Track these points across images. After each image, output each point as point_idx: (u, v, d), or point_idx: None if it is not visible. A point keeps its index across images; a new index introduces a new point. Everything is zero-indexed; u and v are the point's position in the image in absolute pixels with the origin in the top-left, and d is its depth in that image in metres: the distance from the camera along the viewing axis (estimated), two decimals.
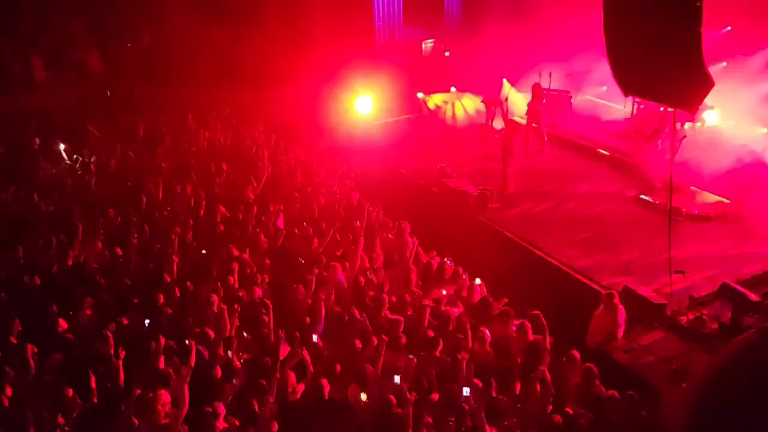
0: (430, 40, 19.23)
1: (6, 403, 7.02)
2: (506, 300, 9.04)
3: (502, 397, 7.16)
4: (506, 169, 13.44)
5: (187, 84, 18.67)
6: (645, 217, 12.19)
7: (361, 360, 7.67)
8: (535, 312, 8.48)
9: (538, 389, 7.21)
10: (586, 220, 12.30)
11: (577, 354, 7.79)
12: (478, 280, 9.37)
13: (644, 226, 11.70)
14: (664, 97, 9.86)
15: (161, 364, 7.49)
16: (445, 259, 9.91)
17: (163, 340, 7.64)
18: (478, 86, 17.16)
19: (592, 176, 14.10)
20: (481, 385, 7.15)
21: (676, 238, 10.02)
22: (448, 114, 16.89)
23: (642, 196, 12.73)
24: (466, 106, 16.83)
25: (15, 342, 7.94)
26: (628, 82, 9.69)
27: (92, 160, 13.51)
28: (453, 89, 17.21)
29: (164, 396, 6.88)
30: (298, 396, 7.26)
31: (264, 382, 7.10)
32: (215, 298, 8.65)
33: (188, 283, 9.04)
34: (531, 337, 8.23)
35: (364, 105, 17.53)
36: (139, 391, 6.93)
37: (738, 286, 9.47)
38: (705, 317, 9.29)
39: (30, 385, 7.27)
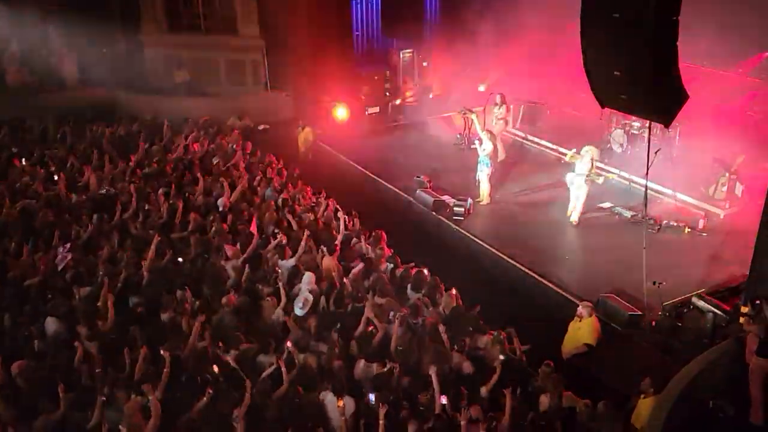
0: (408, 50, 19.34)
1: None
2: (479, 308, 9.01)
3: (475, 406, 7.12)
4: (484, 180, 13.46)
5: (164, 91, 18.60)
6: (620, 228, 12.29)
7: (337, 368, 7.61)
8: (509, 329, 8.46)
9: (511, 400, 7.20)
10: (564, 232, 12.35)
11: (551, 364, 7.78)
12: (453, 291, 9.34)
13: (619, 238, 11.79)
14: (639, 110, 9.94)
15: (135, 374, 7.38)
16: (422, 269, 9.86)
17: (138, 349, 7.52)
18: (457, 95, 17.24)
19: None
20: (455, 394, 7.12)
21: (652, 249, 10.09)
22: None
23: (615, 208, 12.85)
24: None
25: None
26: (604, 94, 9.74)
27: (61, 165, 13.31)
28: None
29: (137, 405, 6.78)
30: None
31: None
32: (188, 308, 8.57)
33: (162, 291, 8.91)
34: (506, 346, 8.21)
35: (341, 112, 17.56)
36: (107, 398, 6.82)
37: (712, 298, 9.56)
38: (679, 328, 9.35)
39: None
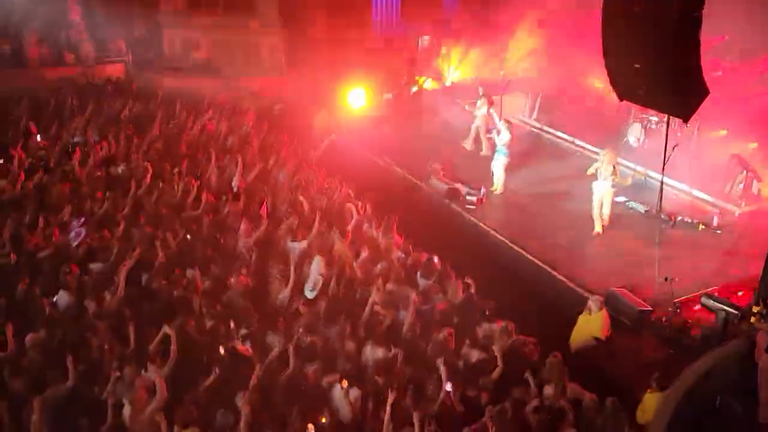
0: (426, 36, 19.25)
1: None
2: (491, 300, 8.99)
3: (482, 395, 7.14)
4: (499, 169, 13.41)
5: (181, 70, 18.65)
6: (634, 223, 12.21)
7: (344, 352, 7.64)
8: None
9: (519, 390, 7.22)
10: (576, 224, 12.27)
11: (558, 356, 7.77)
12: (469, 281, 9.30)
13: (632, 232, 11.72)
14: (658, 104, 9.86)
15: (144, 350, 7.44)
16: (433, 257, 9.84)
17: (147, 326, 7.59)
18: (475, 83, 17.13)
19: (586, 179, 14.09)
20: (461, 382, 7.14)
21: (665, 245, 10.03)
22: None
23: (629, 203, 12.76)
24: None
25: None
26: (623, 87, 9.67)
27: (76, 141, 13.37)
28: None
29: (146, 381, 6.84)
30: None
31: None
32: (199, 287, 8.63)
33: (176, 270, 8.97)
34: (514, 337, 8.20)
35: (357, 98, 17.51)
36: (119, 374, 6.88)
37: (722, 296, 9.51)
38: (690, 325, 9.31)
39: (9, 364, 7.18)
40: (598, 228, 11.84)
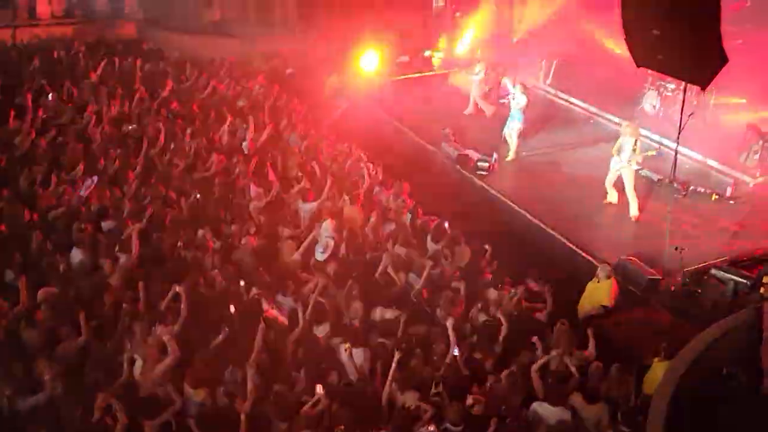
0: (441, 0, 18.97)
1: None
2: (501, 266, 9.01)
3: (488, 359, 7.21)
4: (513, 135, 13.33)
5: (192, 29, 18.48)
6: (646, 191, 12.12)
7: (350, 313, 7.71)
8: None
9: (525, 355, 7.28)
10: (588, 192, 12.18)
11: (566, 323, 7.80)
12: (487, 247, 9.27)
13: (644, 200, 11.64)
14: (676, 71, 9.72)
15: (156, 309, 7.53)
16: (443, 221, 9.85)
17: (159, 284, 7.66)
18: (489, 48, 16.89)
19: (600, 148, 13.99)
20: (468, 347, 7.20)
21: (677, 214, 9.97)
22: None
23: (642, 171, 12.64)
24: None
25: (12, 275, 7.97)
26: (641, 54, 9.52)
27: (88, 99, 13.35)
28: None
29: (157, 339, 6.93)
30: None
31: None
32: (210, 246, 8.69)
33: (190, 229, 9.03)
34: (523, 303, 8.24)
35: (370, 61, 17.33)
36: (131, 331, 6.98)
37: (733, 266, 9.48)
38: (699, 295, 9.30)
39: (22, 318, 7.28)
40: (611, 198, 11.70)
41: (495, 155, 13.08)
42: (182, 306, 7.34)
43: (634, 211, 11.25)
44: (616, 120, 15.00)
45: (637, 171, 12.42)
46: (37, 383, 6.54)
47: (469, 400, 6.48)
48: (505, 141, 13.42)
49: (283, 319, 7.61)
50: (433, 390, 6.63)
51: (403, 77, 17.69)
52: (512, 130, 13.25)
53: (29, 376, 6.59)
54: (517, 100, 13.05)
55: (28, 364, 6.66)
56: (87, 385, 6.48)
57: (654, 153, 12.11)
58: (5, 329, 7.13)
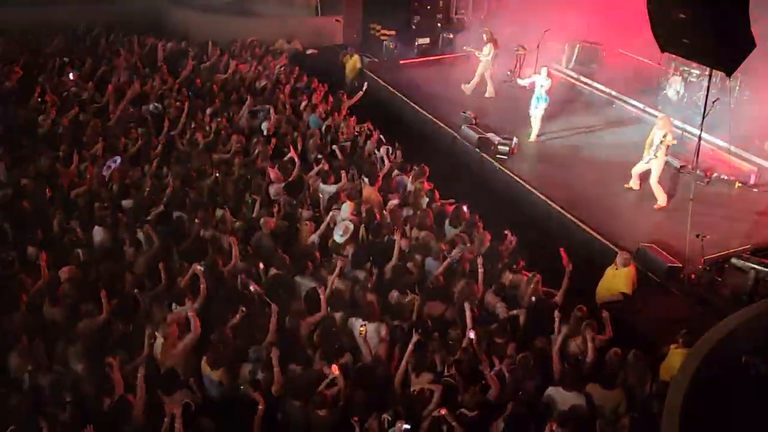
0: None
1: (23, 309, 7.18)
2: (519, 251, 8.97)
3: (505, 343, 7.20)
4: (537, 117, 13.28)
5: (213, 9, 18.48)
6: (668, 178, 11.97)
7: (367, 295, 7.74)
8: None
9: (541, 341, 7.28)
10: (608, 177, 12.08)
11: (584, 310, 7.77)
12: (507, 232, 9.23)
13: (666, 188, 11.51)
14: (701, 56, 9.55)
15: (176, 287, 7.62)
16: (462, 205, 9.82)
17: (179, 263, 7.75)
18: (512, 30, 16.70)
19: (621, 133, 13.86)
20: (484, 331, 7.21)
21: (699, 202, 9.86)
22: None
23: (668, 159, 12.48)
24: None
25: (33, 251, 8.07)
26: (666, 38, 9.36)
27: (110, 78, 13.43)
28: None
29: (178, 317, 7.01)
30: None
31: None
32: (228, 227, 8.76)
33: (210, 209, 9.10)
34: (540, 288, 8.21)
35: (390, 42, 17.27)
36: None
37: (754, 255, 9.37)
38: (719, 283, 9.22)
39: (43, 294, 7.38)
40: (633, 183, 11.59)
41: (515, 139, 12.99)
42: (201, 285, 7.40)
43: (660, 201, 11.16)
44: (639, 105, 14.89)
45: None
46: (58, 359, 6.65)
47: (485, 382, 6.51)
48: (529, 122, 13.33)
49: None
50: (446, 372, 6.66)
51: (423, 59, 17.62)
52: (539, 110, 13.22)
53: (51, 352, 6.70)
54: (543, 82, 12.95)
55: (49, 340, 6.76)
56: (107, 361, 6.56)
57: (675, 142, 11.86)
58: (27, 305, 7.24)
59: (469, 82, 15.54)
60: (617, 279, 8.91)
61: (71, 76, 13.24)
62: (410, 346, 6.78)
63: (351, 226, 8.85)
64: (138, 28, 16.52)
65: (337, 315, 7.47)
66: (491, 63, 15.27)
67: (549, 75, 13.04)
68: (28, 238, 8.31)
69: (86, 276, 7.77)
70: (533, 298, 8.01)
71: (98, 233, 8.61)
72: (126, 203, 9.31)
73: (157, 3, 18.60)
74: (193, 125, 11.56)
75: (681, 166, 12.16)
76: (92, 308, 7.12)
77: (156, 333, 6.82)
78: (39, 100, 12.07)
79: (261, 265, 8.11)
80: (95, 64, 13.94)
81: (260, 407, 6.17)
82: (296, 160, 10.55)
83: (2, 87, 12.67)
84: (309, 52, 17.51)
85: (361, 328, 7.19)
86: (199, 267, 7.57)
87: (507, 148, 12.73)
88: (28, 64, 13.80)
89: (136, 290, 7.51)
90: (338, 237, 8.84)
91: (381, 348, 7.18)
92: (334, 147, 11.29)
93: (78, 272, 7.73)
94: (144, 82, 13.19)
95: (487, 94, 15.42)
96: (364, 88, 13.77)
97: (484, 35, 15.32)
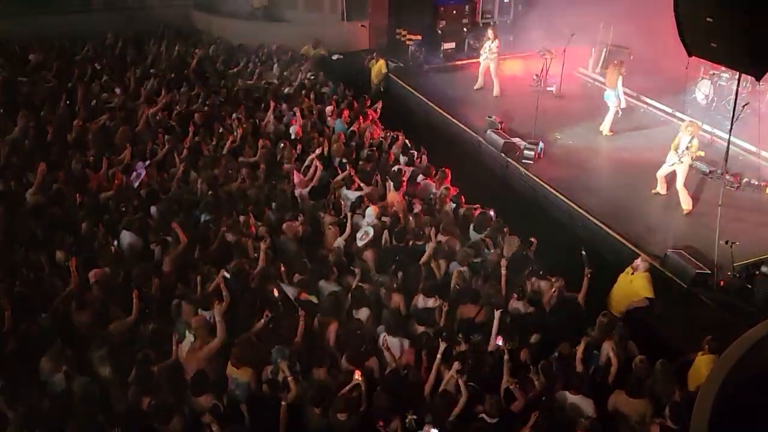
0: None
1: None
2: (544, 257, 8.92)
3: (524, 350, 7.18)
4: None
5: (240, 14, 18.66)
6: (696, 183, 11.82)
7: (391, 300, 7.74)
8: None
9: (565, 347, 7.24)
10: (635, 182, 11.94)
11: (609, 316, 7.70)
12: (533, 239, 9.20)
13: (695, 193, 11.36)
14: (730, 59, 9.41)
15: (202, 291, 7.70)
16: (487, 210, 9.80)
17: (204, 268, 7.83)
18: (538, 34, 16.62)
19: (648, 136, 13.70)
20: (510, 336, 7.18)
21: (728, 207, 9.72)
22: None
23: (693, 163, 12.32)
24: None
25: (63, 256, 8.19)
26: (693, 41, 9.25)
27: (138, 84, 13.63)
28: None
29: (203, 321, 7.09)
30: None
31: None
32: (252, 231, 8.82)
33: (234, 214, 9.16)
34: (565, 294, 8.16)
35: (416, 48, 17.28)
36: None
37: None
38: (749, 290, 9.07)
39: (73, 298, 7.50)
40: (660, 188, 11.45)
41: (541, 144, 12.92)
42: (224, 291, 7.43)
43: (685, 205, 10.98)
44: (667, 109, 14.72)
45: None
46: (88, 362, 6.75)
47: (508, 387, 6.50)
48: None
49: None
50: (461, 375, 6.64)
51: (449, 64, 17.61)
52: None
53: (80, 355, 6.80)
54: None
55: (78, 344, 6.87)
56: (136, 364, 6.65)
57: (702, 154, 11.68)
58: (57, 309, 7.36)
59: (493, 86, 15.58)
60: (636, 284, 8.78)
61: (102, 82, 13.50)
62: (439, 355, 6.77)
63: (371, 231, 8.89)
64: (167, 35, 16.78)
65: (363, 319, 7.50)
66: (497, 60, 15.58)
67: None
68: (58, 242, 8.44)
69: (114, 279, 7.88)
70: (557, 303, 7.97)
71: (126, 236, 8.73)
72: (153, 208, 9.43)
73: (185, 9, 18.88)
74: (221, 130, 11.68)
75: (710, 171, 11.99)
76: (120, 311, 7.20)
77: (186, 332, 6.90)
78: (70, 106, 12.29)
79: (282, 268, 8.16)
80: (124, 71, 14.16)
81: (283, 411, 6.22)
82: (318, 165, 10.60)
83: (36, 93, 12.92)
84: (335, 57, 17.60)
85: (384, 336, 7.20)
86: (225, 273, 7.64)
87: (533, 153, 12.66)
88: (60, 71, 14.06)
89: (163, 293, 7.60)
90: (359, 242, 8.88)
91: (403, 358, 7.18)
92: (360, 152, 11.34)
93: (107, 275, 7.84)
94: (171, 88, 13.37)
95: (494, 94, 15.59)
96: (388, 92, 13.86)
97: (489, 32, 15.49)
